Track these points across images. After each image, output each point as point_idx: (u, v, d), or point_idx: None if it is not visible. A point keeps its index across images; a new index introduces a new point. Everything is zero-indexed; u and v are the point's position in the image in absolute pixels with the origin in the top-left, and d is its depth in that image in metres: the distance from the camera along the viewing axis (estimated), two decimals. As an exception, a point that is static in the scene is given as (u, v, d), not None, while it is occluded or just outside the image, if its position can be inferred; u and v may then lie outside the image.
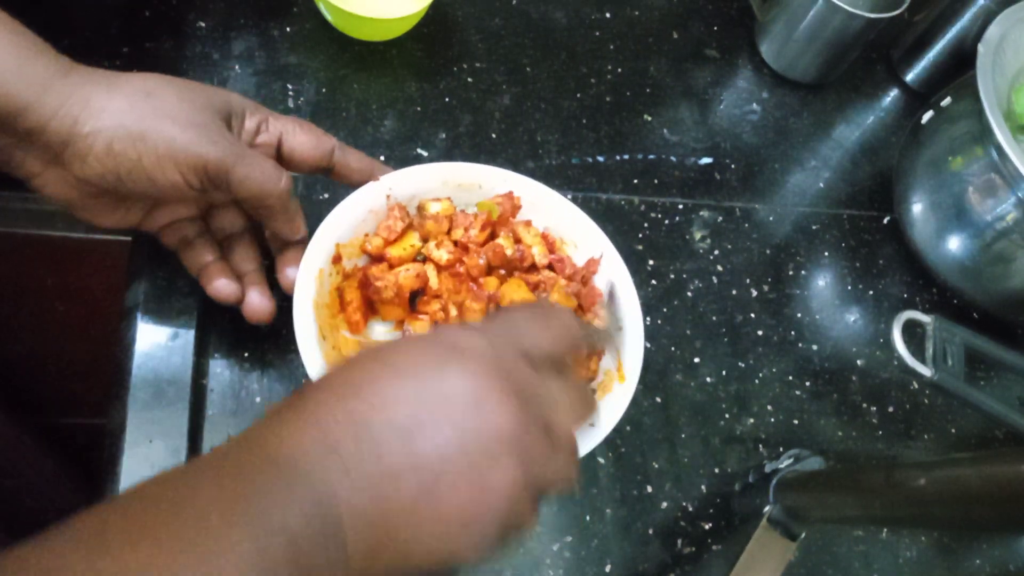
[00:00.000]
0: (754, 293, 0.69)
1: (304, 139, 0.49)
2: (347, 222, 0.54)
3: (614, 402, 0.50)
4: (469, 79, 0.73)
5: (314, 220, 0.53)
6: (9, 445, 0.86)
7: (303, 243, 0.51)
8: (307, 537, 0.25)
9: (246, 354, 0.54)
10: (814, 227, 0.75)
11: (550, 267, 0.57)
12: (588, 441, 0.48)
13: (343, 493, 0.26)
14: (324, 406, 0.28)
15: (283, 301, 0.51)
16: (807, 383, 0.66)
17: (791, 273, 0.71)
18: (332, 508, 0.26)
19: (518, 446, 0.29)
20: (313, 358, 0.46)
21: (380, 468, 0.27)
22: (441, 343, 0.30)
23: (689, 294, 0.67)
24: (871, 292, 0.73)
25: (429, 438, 0.28)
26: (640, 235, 0.69)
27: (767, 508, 0.52)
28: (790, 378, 0.66)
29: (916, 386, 0.69)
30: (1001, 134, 0.60)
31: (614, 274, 0.56)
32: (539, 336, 0.33)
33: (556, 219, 0.59)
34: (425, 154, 0.67)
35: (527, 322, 0.33)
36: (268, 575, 0.24)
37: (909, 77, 0.88)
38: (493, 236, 0.57)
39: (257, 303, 0.50)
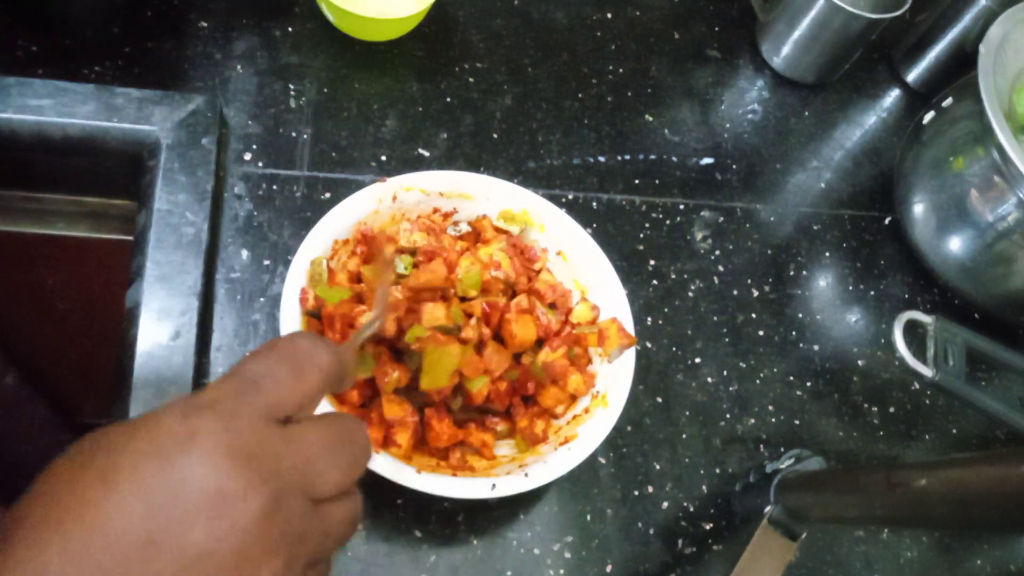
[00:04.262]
0: (755, 293, 0.69)
1: None
2: (346, 221, 0.54)
3: (594, 428, 0.50)
4: (470, 79, 0.73)
5: (315, 219, 0.53)
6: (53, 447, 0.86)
7: None
8: None
9: (247, 354, 0.54)
10: (815, 227, 0.75)
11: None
12: (559, 468, 0.48)
13: None
14: (32, 544, 0.23)
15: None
16: (808, 383, 0.66)
17: (792, 273, 0.71)
18: None
19: (279, 534, 0.25)
20: None
21: None
22: (163, 434, 0.25)
23: (690, 294, 0.67)
24: (872, 292, 0.73)
25: (170, 559, 0.23)
26: (641, 235, 0.69)
27: (768, 508, 0.52)
28: (791, 378, 0.66)
29: (917, 386, 0.69)
30: (1002, 134, 0.60)
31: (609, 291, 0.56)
32: (288, 389, 0.28)
33: (567, 244, 0.59)
34: (426, 154, 0.67)
35: (271, 374, 0.28)
36: None
37: (910, 77, 0.87)
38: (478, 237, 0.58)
39: None
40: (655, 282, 0.67)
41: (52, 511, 0.24)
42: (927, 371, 0.56)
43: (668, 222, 0.70)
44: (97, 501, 0.23)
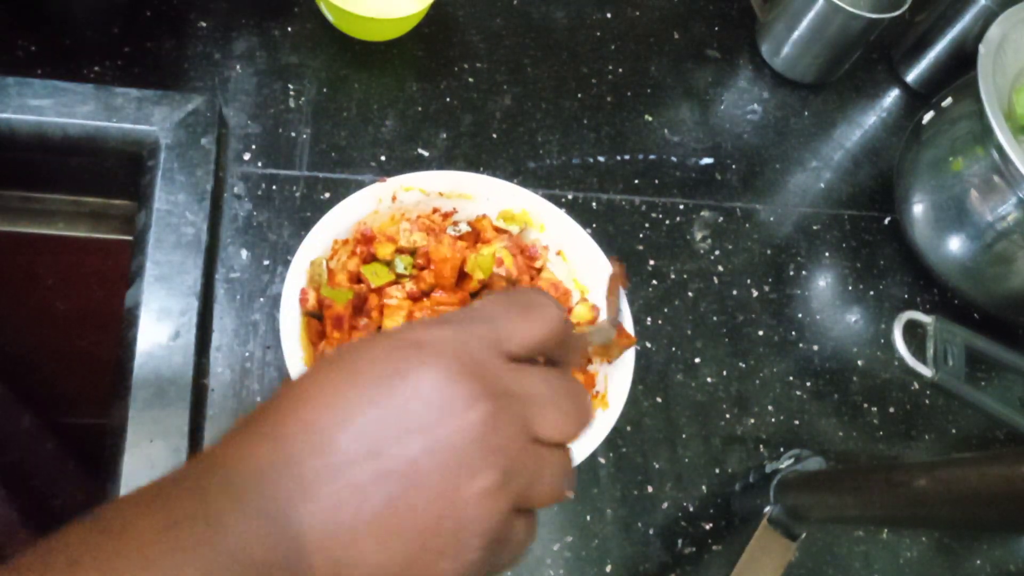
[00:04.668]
0: (755, 293, 0.69)
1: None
2: (346, 221, 0.54)
3: (594, 428, 0.50)
4: (470, 79, 0.73)
5: (315, 219, 0.53)
6: (37, 449, 0.86)
7: None
8: (265, 562, 0.23)
9: (247, 354, 0.54)
10: (815, 227, 0.75)
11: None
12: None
13: (303, 511, 0.24)
14: (280, 419, 0.26)
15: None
16: (808, 383, 0.66)
17: (792, 273, 0.71)
18: (292, 529, 0.24)
19: (495, 450, 0.26)
20: (295, 357, 0.47)
21: (341, 482, 0.25)
22: (404, 341, 0.27)
23: (690, 294, 0.67)
24: (872, 292, 0.73)
25: (393, 446, 0.25)
26: (641, 235, 0.69)
27: (768, 508, 0.52)
28: (791, 378, 0.66)
29: (917, 386, 0.69)
30: (1002, 135, 0.60)
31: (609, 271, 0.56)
32: (517, 327, 0.29)
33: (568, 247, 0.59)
34: (426, 154, 0.67)
35: (503, 312, 0.29)
36: None
37: (910, 77, 0.87)
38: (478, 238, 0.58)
39: None
40: (655, 282, 0.67)
41: (295, 393, 0.26)
42: (927, 371, 0.56)
43: (668, 222, 0.70)
44: (346, 394, 0.26)
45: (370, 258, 0.56)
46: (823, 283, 0.72)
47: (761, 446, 0.62)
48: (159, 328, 0.52)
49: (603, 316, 0.55)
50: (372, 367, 0.27)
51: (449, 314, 0.29)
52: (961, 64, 0.81)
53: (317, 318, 0.51)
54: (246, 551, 0.23)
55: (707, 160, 0.76)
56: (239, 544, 0.23)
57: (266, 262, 0.58)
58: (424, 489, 0.25)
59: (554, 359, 0.31)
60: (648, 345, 0.63)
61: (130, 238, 0.59)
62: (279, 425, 0.26)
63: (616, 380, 0.53)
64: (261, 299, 0.57)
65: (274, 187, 0.62)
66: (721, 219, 0.72)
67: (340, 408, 0.26)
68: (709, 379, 0.63)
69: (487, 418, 0.26)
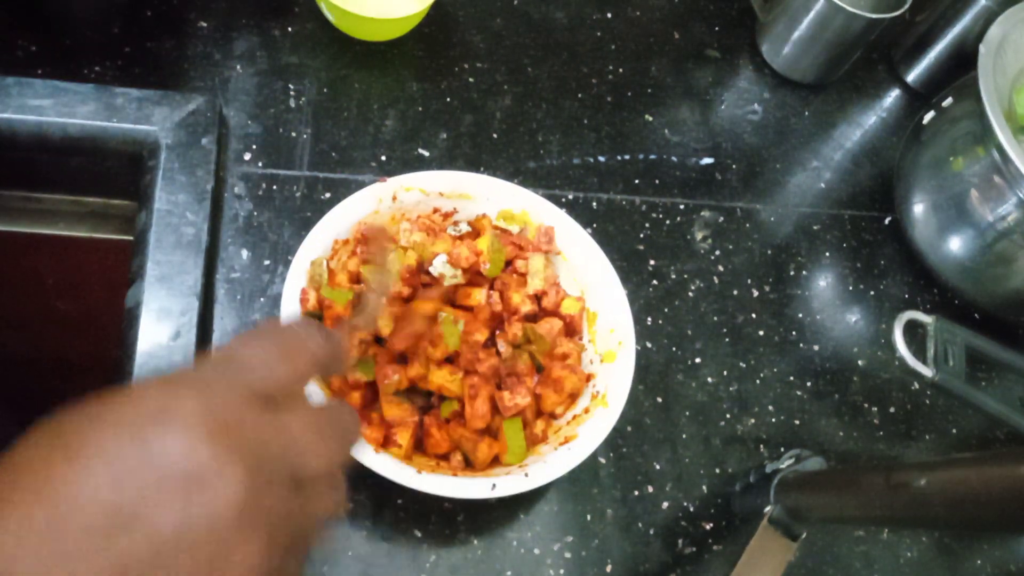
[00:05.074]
0: (755, 293, 0.69)
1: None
2: (346, 221, 0.54)
3: (594, 428, 0.50)
4: (470, 79, 0.73)
5: (315, 219, 0.53)
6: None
7: None
8: None
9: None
10: (815, 227, 0.75)
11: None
12: (559, 468, 0.48)
13: None
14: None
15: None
16: (808, 383, 0.66)
17: (792, 273, 0.71)
18: None
19: (257, 515, 0.24)
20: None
21: None
22: (140, 411, 0.24)
23: (690, 294, 0.67)
24: (872, 292, 0.73)
25: (141, 536, 0.22)
26: (641, 235, 0.69)
27: (768, 508, 0.52)
28: (791, 378, 0.66)
29: (917, 386, 0.69)
30: (1002, 134, 0.60)
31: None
32: (272, 371, 0.27)
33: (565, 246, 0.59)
34: (426, 154, 0.67)
35: (258, 356, 0.28)
36: None
37: (910, 77, 0.87)
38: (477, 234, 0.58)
39: None
40: (655, 282, 0.67)
41: (14, 488, 0.22)
42: (927, 371, 0.56)
43: (668, 222, 0.70)
44: (63, 476, 0.22)
45: (369, 254, 0.56)
46: (823, 283, 0.72)
47: (761, 446, 0.62)
48: (159, 328, 0.52)
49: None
50: (107, 442, 0.23)
51: (202, 364, 0.27)
52: (961, 64, 0.81)
53: (318, 318, 0.51)
54: None
55: (707, 160, 0.76)
56: None
57: (266, 262, 0.58)
58: (184, 571, 0.22)
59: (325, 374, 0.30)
60: (648, 345, 0.63)
61: (130, 238, 0.59)
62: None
63: (616, 380, 0.53)
64: (261, 299, 0.57)
65: (274, 187, 0.62)
66: (721, 219, 0.72)
67: (70, 498, 0.22)
68: (709, 379, 0.63)
69: (243, 486, 0.23)
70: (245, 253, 0.58)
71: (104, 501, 0.22)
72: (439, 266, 0.55)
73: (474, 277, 0.56)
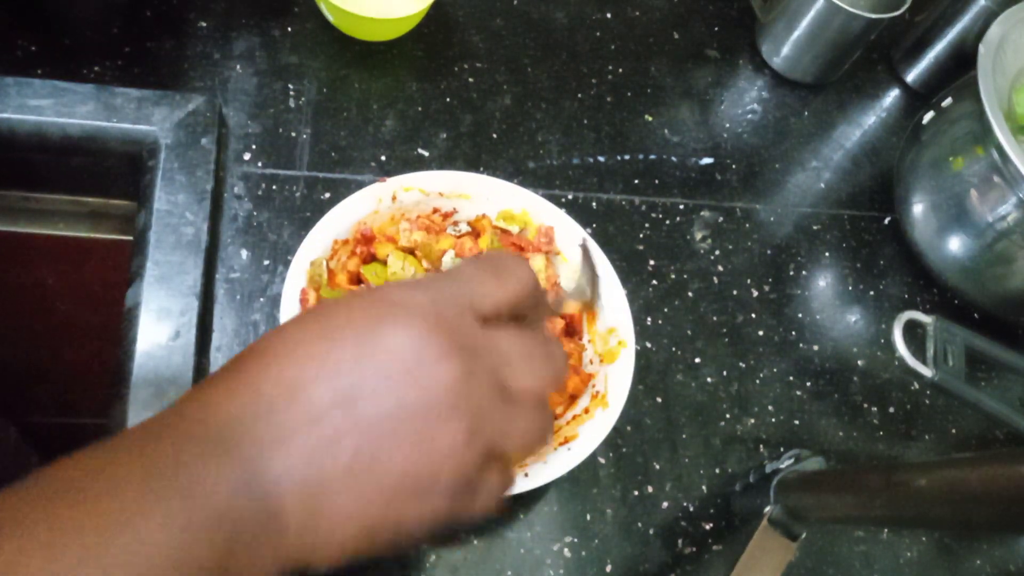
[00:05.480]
0: (755, 293, 0.69)
1: None
2: (346, 221, 0.54)
3: (594, 428, 0.50)
4: (470, 79, 0.73)
5: (315, 219, 0.53)
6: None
7: None
8: (237, 510, 0.23)
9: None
10: (815, 227, 0.75)
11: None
12: (559, 468, 0.48)
13: (278, 460, 0.25)
14: (257, 370, 0.26)
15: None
16: (808, 383, 0.66)
17: (792, 273, 0.71)
18: (265, 478, 0.24)
19: (464, 403, 0.27)
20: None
21: (316, 433, 0.25)
22: (380, 300, 0.28)
23: (690, 294, 0.67)
24: (872, 292, 0.73)
25: (367, 399, 0.26)
26: (641, 235, 0.69)
27: (768, 508, 0.52)
28: (791, 378, 0.66)
29: (917, 386, 0.69)
30: (1002, 134, 0.60)
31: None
32: (488, 289, 0.30)
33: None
34: (426, 154, 0.67)
35: (475, 275, 0.30)
36: (190, 554, 0.22)
37: (910, 77, 0.88)
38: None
39: None
40: (655, 282, 0.67)
41: (273, 345, 0.27)
42: (927, 371, 0.56)
43: (668, 222, 0.70)
44: (317, 344, 0.27)
45: (370, 258, 0.56)
46: (823, 283, 0.72)
47: (761, 446, 0.62)
48: (159, 328, 0.52)
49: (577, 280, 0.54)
50: (348, 324, 0.27)
51: (423, 277, 0.30)
52: (961, 64, 0.81)
53: None
54: (219, 499, 0.23)
55: (707, 160, 0.76)
56: (212, 492, 0.23)
57: (266, 262, 0.58)
58: (396, 439, 0.26)
59: (527, 318, 0.32)
60: (648, 345, 0.63)
61: (130, 238, 0.59)
62: (255, 377, 0.26)
63: (616, 380, 0.53)
64: (261, 299, 0.57)
65: (274, 187, 0.62)
66: (721, 219, 0.72)
67: (316, 362, 0.26)
68: (709, 379, 0.63)
69: (457, 372, 0.27)
70: (245, 253, 0.58)
71: (344, 369, 0.26)
72: (448, 263, 0.55)
73: None
